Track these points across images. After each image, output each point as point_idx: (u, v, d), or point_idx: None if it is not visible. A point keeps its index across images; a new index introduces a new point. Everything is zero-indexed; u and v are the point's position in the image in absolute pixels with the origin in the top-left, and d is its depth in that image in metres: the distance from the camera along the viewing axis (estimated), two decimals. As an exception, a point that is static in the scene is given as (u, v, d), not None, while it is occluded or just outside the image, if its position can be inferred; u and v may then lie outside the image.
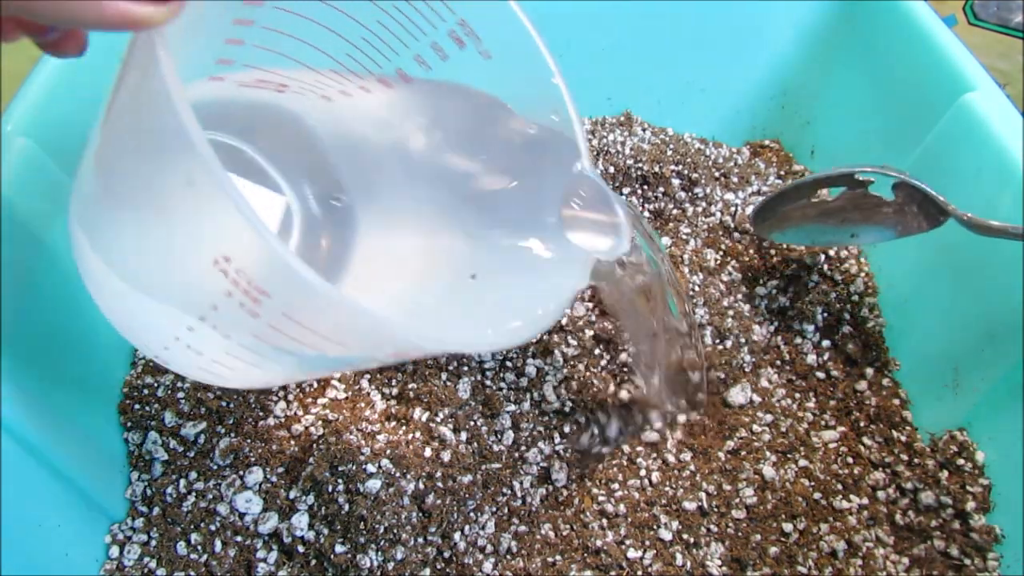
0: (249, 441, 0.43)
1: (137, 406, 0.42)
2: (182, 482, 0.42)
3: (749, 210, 0.54)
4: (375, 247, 0.40)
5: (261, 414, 0.45)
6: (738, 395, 0.47)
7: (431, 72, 0.35)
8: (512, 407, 0.48)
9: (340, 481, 0.41)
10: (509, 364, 0.48)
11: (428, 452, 0.44)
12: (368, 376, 0.48)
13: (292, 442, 0.44)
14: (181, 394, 0.43)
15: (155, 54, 0.20)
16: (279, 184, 0.39)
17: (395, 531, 0.40)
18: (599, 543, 0.42)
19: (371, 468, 0.41)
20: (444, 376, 0.47)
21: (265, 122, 0.37)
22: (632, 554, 0.42)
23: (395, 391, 0.46)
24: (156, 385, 0.43)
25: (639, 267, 0.38)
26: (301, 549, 0.40)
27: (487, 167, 0.38)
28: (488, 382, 0.48)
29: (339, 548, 0.40)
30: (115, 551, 0.40)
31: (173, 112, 0.20)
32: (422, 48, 0.34)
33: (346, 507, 0.40)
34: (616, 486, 0.45)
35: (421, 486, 0.43)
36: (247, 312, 0.23)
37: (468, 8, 0.32)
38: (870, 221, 0.46)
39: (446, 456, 0.44)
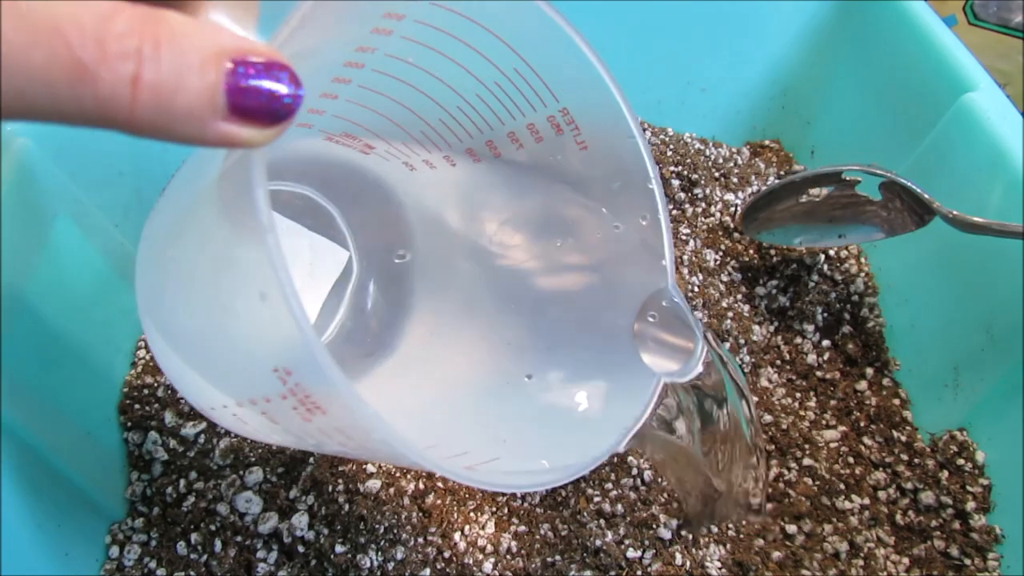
0: (249, 441, 0.43)
1: (137, 406, 0.42)
2: (182, 482, 0.42)
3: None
4: (429, 322, 0.38)
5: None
6: None
7: (521, 151, 0.33)
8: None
9: (340, 481, 0.41)
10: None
11: None
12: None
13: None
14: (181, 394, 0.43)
15: (250, 171, 0.20)
16: (345, 238, 0.38)
17: (395, 531, 0.40)
18: (598, 543, 0.42)
19: (371, 468, 0.41)
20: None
21: (343, 174, 0.37)
22: (631, 554, 0.42)
23: None
24: (156, 385, 0.43)
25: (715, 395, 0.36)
26: (301, 549, 0.40)
27: (561, 259, 0.36)
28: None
29: (339, 548, 0.40)
30: (115, 551, 0.40)
31: (262, 236, 0.19)
32: (518, 127, 0.32)
33: (346, 507, 0.40)
34: (610, 485, 0.45)
35: (421, 486, 0.43)
36: (300, 416, 0.23)
37: (574, 99, 0.31)
38: (857, 220, 0.46)
39: (446, 456, 0.44)
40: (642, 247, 0.33)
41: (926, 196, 0.42)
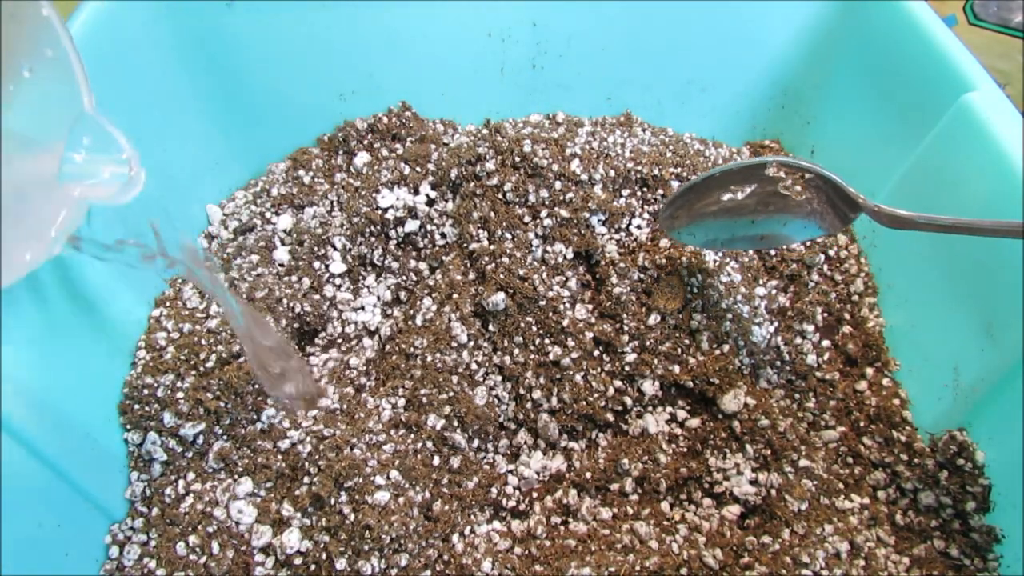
0: (238, 449, 0.43)
1: (137, 406, 0.42)
2: (180, 483, 0.42)
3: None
4: None
5: (256, 417, 0.45)
6: (731, 403, 0.47)
7: None
8: (512, 410, 0.48)
9: (343, 494, 0.41)
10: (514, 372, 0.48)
11: (437, 461, 0.44)
12: (369, 386, 0.48)
13: (287, 449, 0.44)
14: (181, 394, 0.43)
15: None
16: None
17: (401, 541, 0.40)
18: (597, 542, 0.42)
19: (379, 480, 0.41)
20: (455, 379, 0.46)
21: None
22: (625, 540, 0.42)
23: (402, 400, 0.46)
24: (156, 385, 0.43)
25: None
26: (299, 561, 0.40)
27: None
28: (498, 390, 0.48)
29: (339, 557, 0.39)
30: (115, 551, 0.40)
31: None
32: None
33: (351, 516, 0.40)
34: (612, 486, 0.45)
35: (428, 495, 0.42)
36: None
37: None
38: (781, 218, 0.44)
39: (455, 462, 0.44)
40: (59, 79, 0.32)
41: (851, 190, 0.41)
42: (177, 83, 0.53)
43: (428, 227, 0.53)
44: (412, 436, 0.44)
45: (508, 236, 0.50)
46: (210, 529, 0.41)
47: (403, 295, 0.52)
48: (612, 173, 0.52)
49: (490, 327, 0.49)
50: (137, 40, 0.49)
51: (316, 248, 0.52)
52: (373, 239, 0.53)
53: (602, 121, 0.60)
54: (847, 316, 0.52)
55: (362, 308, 0.52)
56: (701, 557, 0.41)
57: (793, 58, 0.60)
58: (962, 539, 0.42)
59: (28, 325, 0.37)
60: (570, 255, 0.50)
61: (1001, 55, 0.68)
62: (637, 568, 0.40)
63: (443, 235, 0.52)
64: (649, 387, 0.48)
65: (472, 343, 0.48)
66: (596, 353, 0.49)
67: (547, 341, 0.48)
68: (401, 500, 0.41)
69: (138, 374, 0.43)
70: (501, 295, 0.48)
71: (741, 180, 0.43)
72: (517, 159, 0.51)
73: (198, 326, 0.45)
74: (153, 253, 0.35)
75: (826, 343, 0.51)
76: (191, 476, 0.42)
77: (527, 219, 0.50)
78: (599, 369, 0.48)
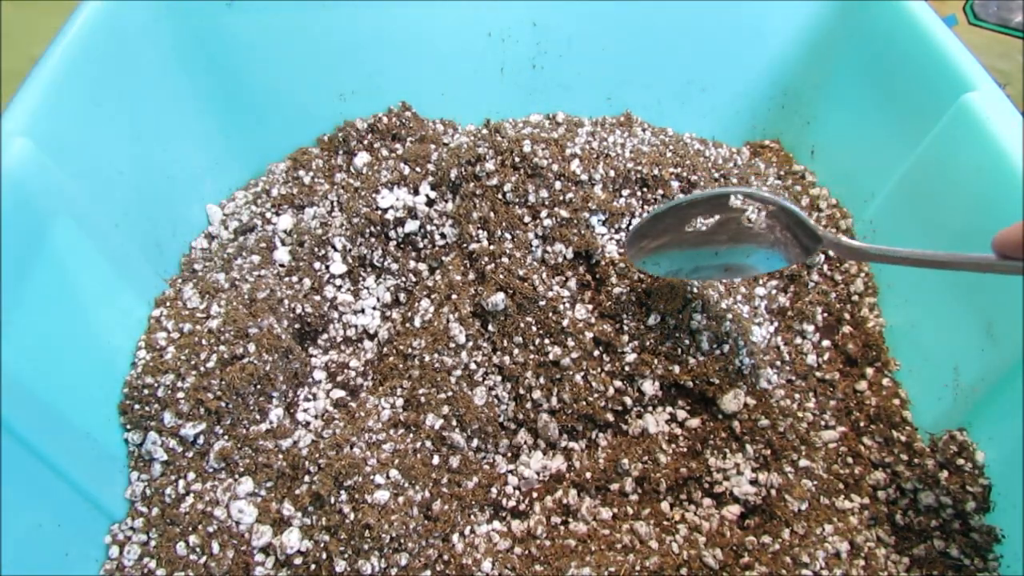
0: (240, 448, 0.43)
1: (137, 406, 0.42)
2: (180, 483, 0.42)
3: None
4: None
5: (258, 417, 0.45)
6: (731, 403, 0.47)
7: None
8: (512, 410, 0.48)
9: (343, 493, 0.41)
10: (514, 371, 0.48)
11: (436, 460, 0.44)
12: (367, 386, 0.48)
13: (287, 448, 0.44)
14: (181, 394, 0.43)
15: None
16: None
17: (401, 540, 0.40)
18: (597, 542, 0.42)
19: (379, 479, 0.41)
20: (453, 379, 0.46)
21: None
22: (630, 553, 0.42)
23: (400, 400, 0.46)
24: (156, 385, 0.43)
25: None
26: (299, 561, 0.40)
27: None
28: (498, 391, 0.48)
29: (340, 556, 0.40)
30: (115, 551, 0.40)
31: None
32: None
33: (351, 516, 0.40)
34: (612, 486, 0.45)
35: (427, 494, 0.42)
36: None
37: None
38: (745, 246, 0.44)
39: (455, 462, 0.44)
40: None
41: (811, 223, 0.41)
42: (177, 83, 0.53)
43: (428, 227, 0.53)
44: (411, 436, 0.44)
45: (508, 236, 0.50)
46: (210, 529, 0.41)
47: (402, 296, 0.52)
48: (612, 173, 0.52)
49: (490, 327, 0.49)
50: (137, 40, 0.49)
51: (316, 249, 0.52)
52: (373, 239, 0.53)
53: (602, 121, 0.60)
54: (847, 316, 0.52)
55: (362, 311, 0.52)
56: (701, 557, 0.41)
57: (793, 58, 0.60)
58: (962, 539, 0.42)
59: (28, 325, 0.37)
60: (570, 255, 0.50)
61: (1001, 55, 0.68)
62: (637, 568, 0.40)
63: (443, 235, 0.52)
64: (649, 387, 0.48)
65: (471, 343, 0.48)
66: (596, 353, 0.49)
67: (547, 341, 0.48)
68: (401, 499, 0.41)
69: (138, 374, 0.43)
70: (501, 295, 0.48)
71: (705, 210, 0.43)
72: (517, 159, 0.51)
73: (198, 326, 0.45)
74: None
75: (826, 343, 0.51)
76: (191, 476, 0.42)
77: (527, 219, 0.50)
78: (599, 369, 0.48)
